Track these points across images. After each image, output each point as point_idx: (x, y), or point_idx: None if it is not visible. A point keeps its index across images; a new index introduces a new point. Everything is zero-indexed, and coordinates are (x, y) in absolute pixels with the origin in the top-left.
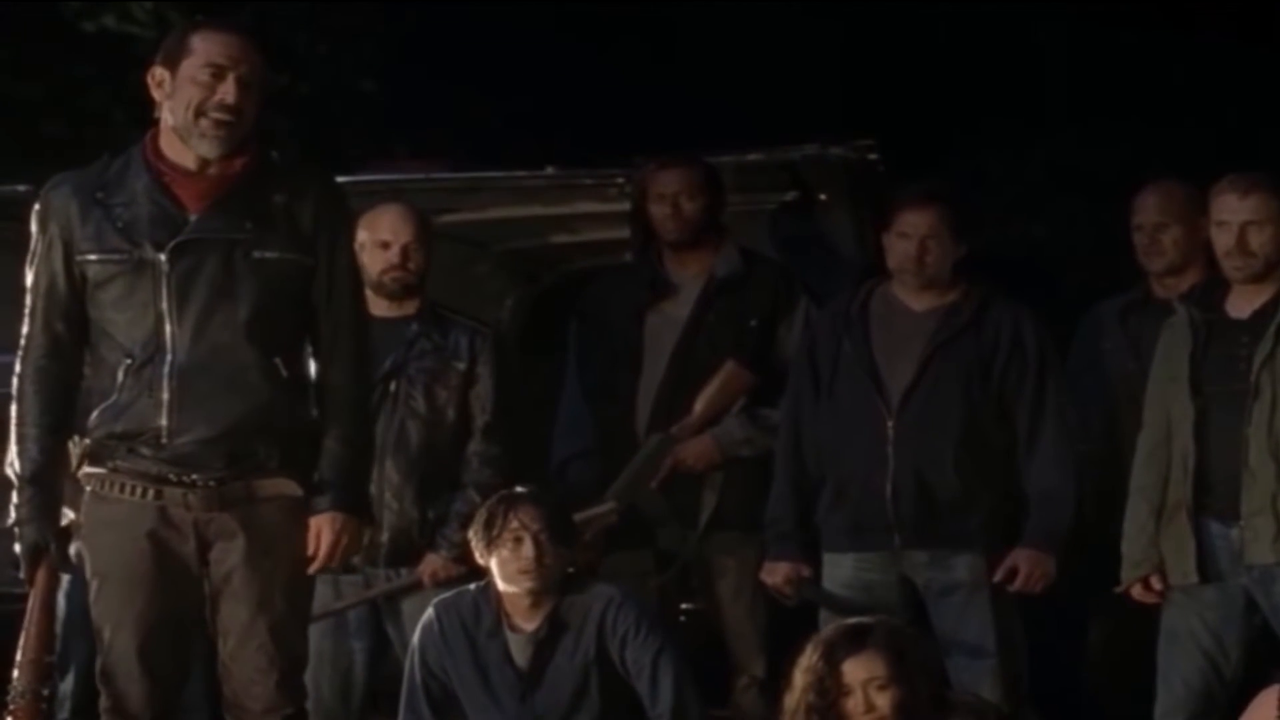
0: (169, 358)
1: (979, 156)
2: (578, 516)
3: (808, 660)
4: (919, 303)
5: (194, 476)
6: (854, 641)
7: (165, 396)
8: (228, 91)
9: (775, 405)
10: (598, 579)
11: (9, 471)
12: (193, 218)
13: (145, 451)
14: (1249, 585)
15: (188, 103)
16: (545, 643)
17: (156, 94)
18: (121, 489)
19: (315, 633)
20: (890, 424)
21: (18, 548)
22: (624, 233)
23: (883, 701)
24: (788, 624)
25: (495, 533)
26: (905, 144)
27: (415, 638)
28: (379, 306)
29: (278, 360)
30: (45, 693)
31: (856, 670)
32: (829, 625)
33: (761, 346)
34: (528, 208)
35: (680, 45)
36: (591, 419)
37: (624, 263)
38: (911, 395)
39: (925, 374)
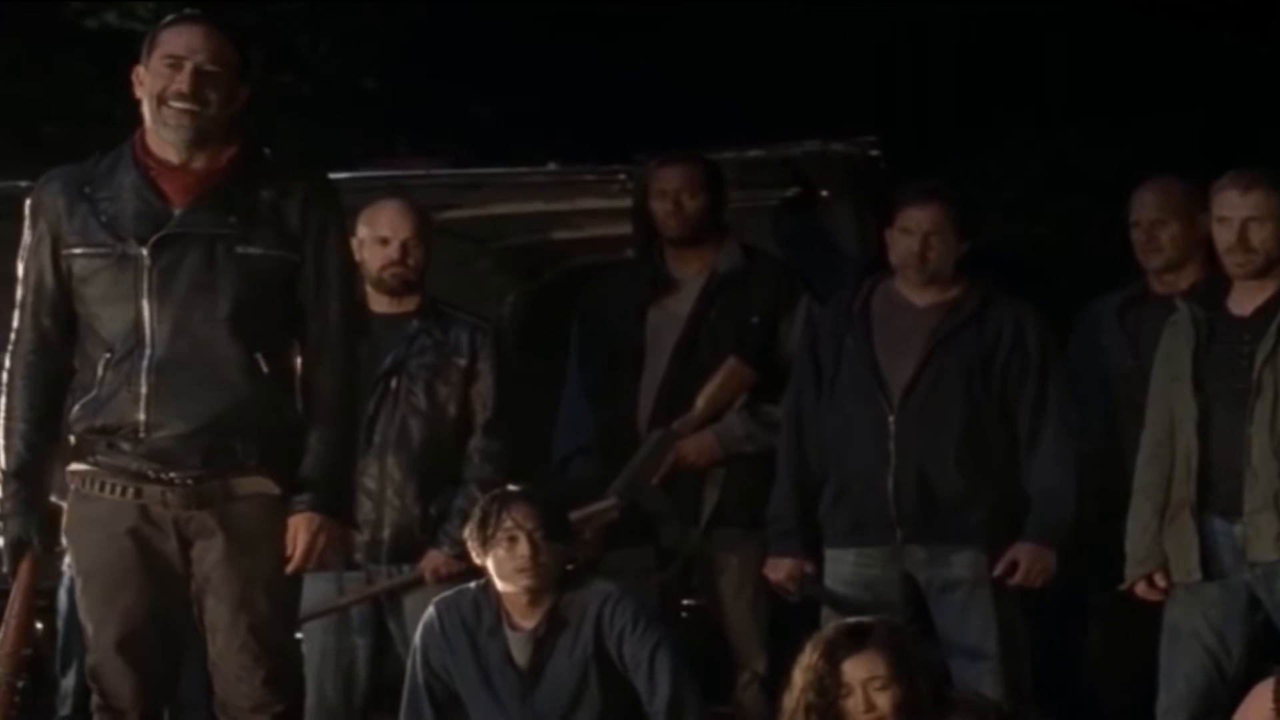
0: (148, 352)
1: (980, 155)
2: (579, 513)
3: (807, 659)
4: (921, 299)
5: (172, 474)
6: (854, 641)
7: (143, 391)
8: (183, 80)
9: (777, 402)
10: (598, 575)
11: None
12: (177, 212)
13: (124, 447)
14: (1251, 582)
15: (151, 94)
16: (544, 640)
17: (138, 92)
18: (102, 487)
19: (318, 629)
20: (892, 420)
21: (0, 541)
22: (625, 229)
23: (883, 701)
24: (789, 621)
25: (490, 532)
26: (906, 143)
27: (417, 637)
28: (379, 303)
29: (259, 356)
30: (20, 684)
31: (857, 669)
32: (828, 625)
33: (763, 343)
34: (529, 204)
35: (681, 41)
36: (593, 415)
37: (626, 259)
38: (913, 391)
39: (926, 370)
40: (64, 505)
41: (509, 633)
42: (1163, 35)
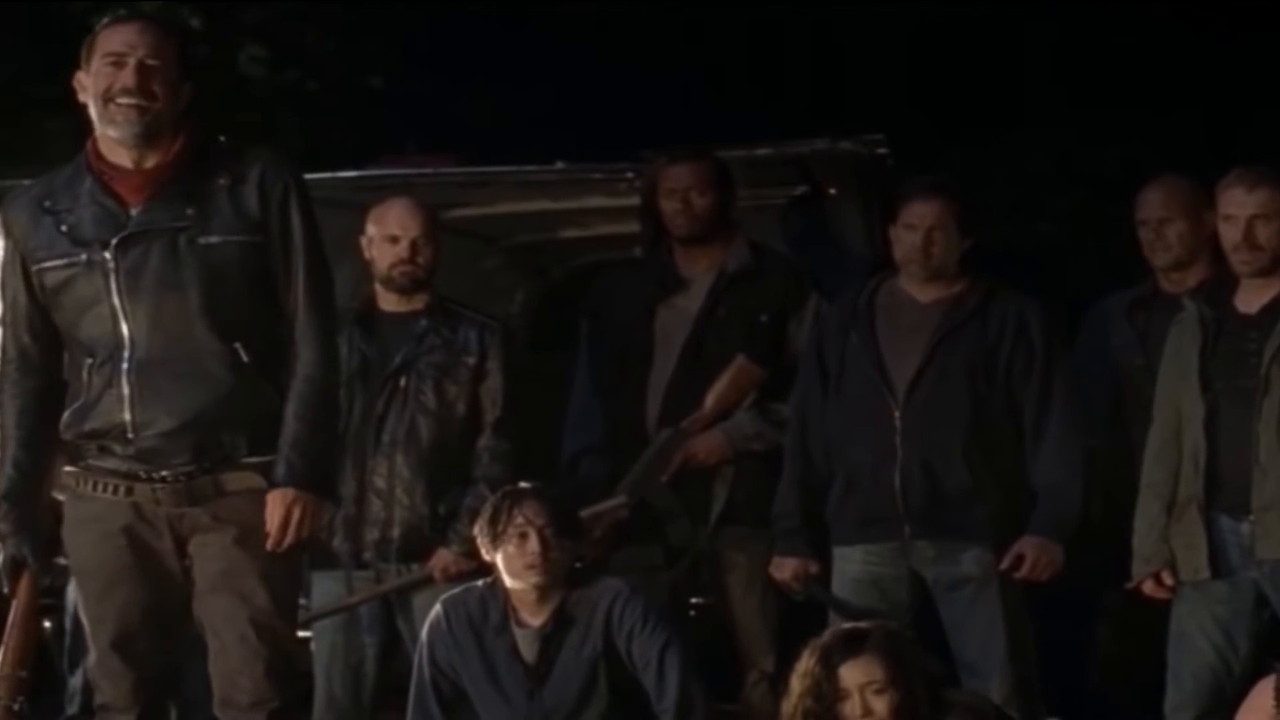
0: (127, 353)
1: (985, 152)
2: (588, 511)
3: (805, 665)
4: (925, 295)
5: (163, 472)
6: (850, 646)
7: (126, 392)
8: (127, 76)
9: (786, 400)
10: (607, 573)
11: None
12: (134, 212)
13: (115, 449)
14: (1259, 580)
15: (96, 94)
16: (552, 638)
17: (82, 98)
18: (95, 486)
19: (327, 628)
20: (897, 415)
21: None
22: (633, 227)
23: (880, 705)
24: (798, 619)
25: (500, 529)
26: (914, 141)
27: (423, 635)
28: (388, 301)
29: (237, 345)
30: (15, 708)
31: (854, 674)
32: (826, 631)
33: (772, 341)
34: (537, 202)
35: (688, 39)
36: (602, 414)
37: (634, 258)
38: (917, 386)
39: (930, 365)
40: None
41: (516, 630)
42: (1168, 31)
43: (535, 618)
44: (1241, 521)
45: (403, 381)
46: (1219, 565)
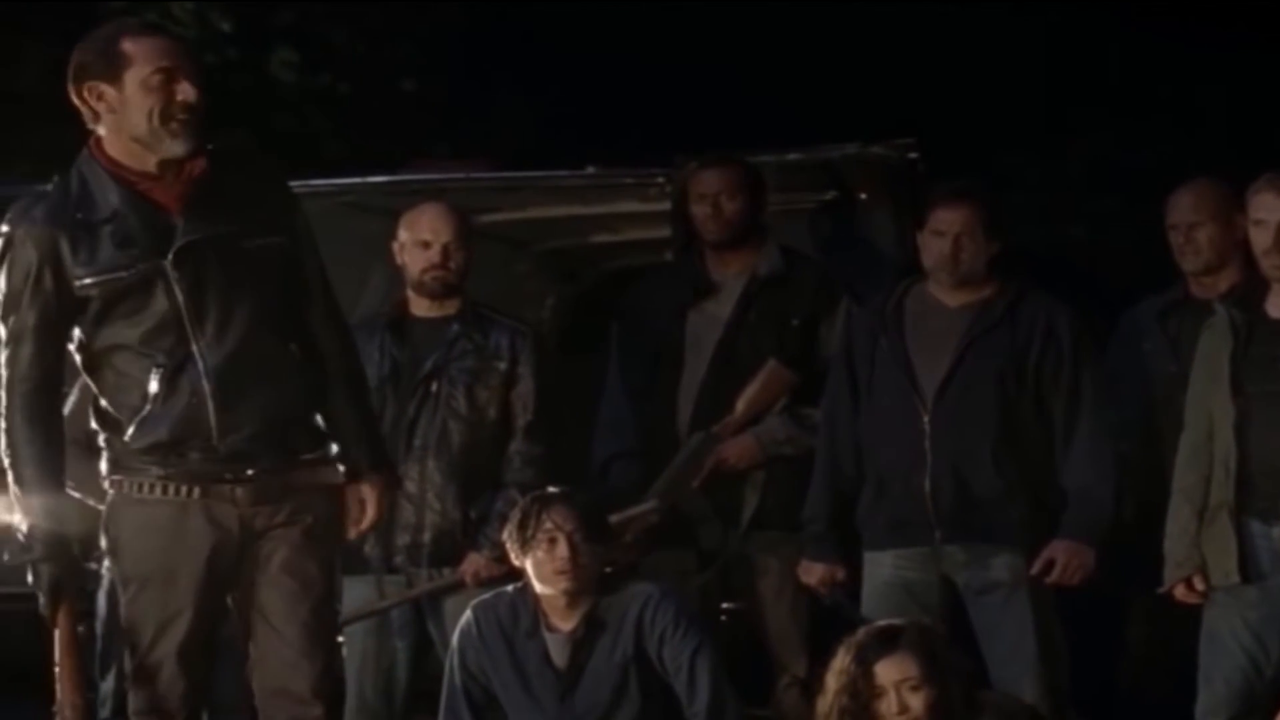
0: (200, 360)
1: (1017, 157)
2: (619, 516)
3: (840, 663)
4: (953, 299)
5: (249, 472)
6: (886, 643)
7: (209, 398)
8: (187, 91)
9: (817, 405)
10: (637, 578)
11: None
12: (179, 221)
13: (194, 456)
14: None
15: (149, 110)
16: (583, 643)
17: (99, 107)
18: (164, 490)
19: (359, 632)
20: (926, 420)
21: (30, 579)
22: (664, 232)
23: (916, 702)
24: (829, 623)
25: (529, 534)
26: (944, 145)
27: (454, 640)
28: (420, 306)
29: (293, 346)
30: None
31: (889, 671)
32: (860, 629)
33: (803, 346)
34: (568, 207)
35: (720, 44)
36: (633, 418)
37: (666, 262)
38: (946, 392)
39: (959, 370)
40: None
41: (547, 635)
42: (1200, 36)
43: (566, 623)
44: (1273, 526)
45: (434, 386)
46: (1250, 570)
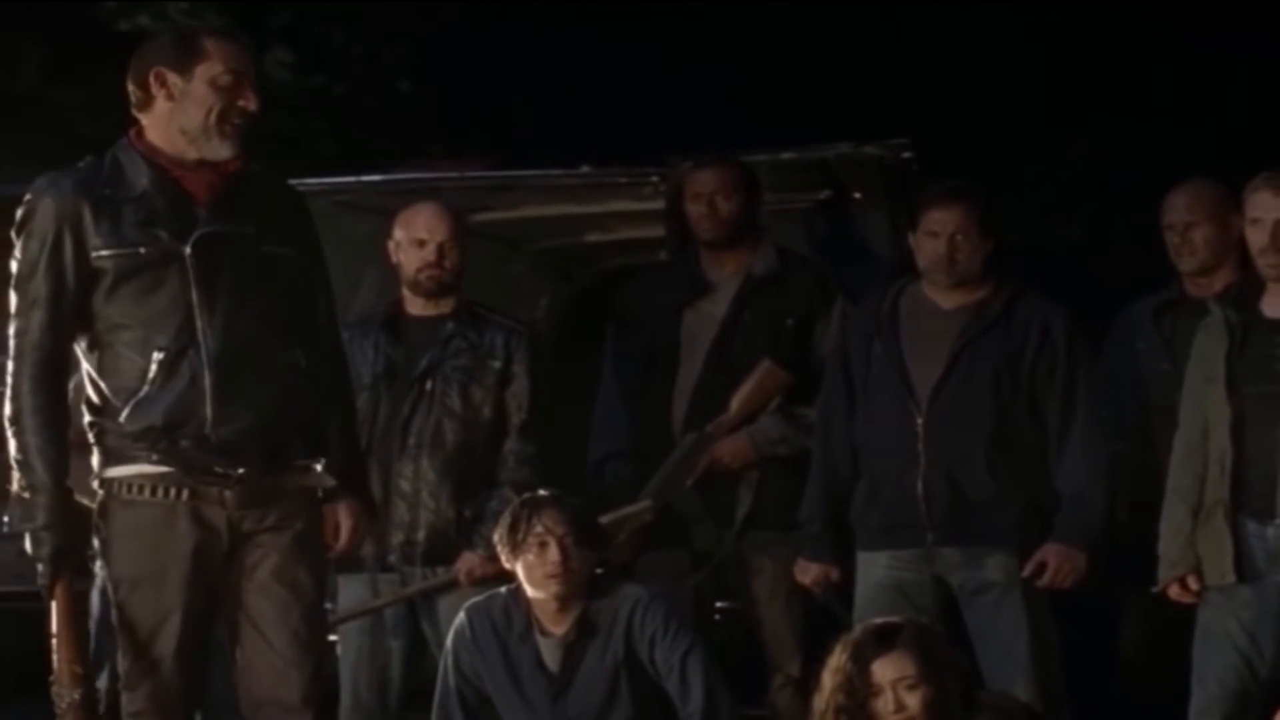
0: (204, 347)
1: (1014, 158)
2: (613, 515)
3: (836, 661)
4: (948, 300)
5: (238, 469)
6: (882, 641)
7: (208, 386)
8: (250, 99)
9: (812, 404)
10: (630, 579)
11: (16, 482)
12: (203, 211)
13: (185, 443)
14: None
15: (209, 107)
16: (575, 646)
17: (158, 94)
18: (153, 491)
19: (353, 631)
20: (920, 422)
21: (30, 549)
22: (659, 231)
23: (913, 701)
24: (823, 623)
25: (520, 537)
26: (939, 145)
27: (448, 641)
28: (415, 305)
29: (298, 352)
30: (80, 696)
31: (886, 670)
32: (857, 626)
33: (798, 345)
34: (563, 206)
35: (714, 43)
36: (628, 418)
37: (661, 262)
38: (940, 393)
39: (954, 371)
40: (92, 508)
41: (539, 639)
42: (1195, 36)
43: (558, 627)
44: (1268, 525)
45: (429, 385)
46: (1245, 569)
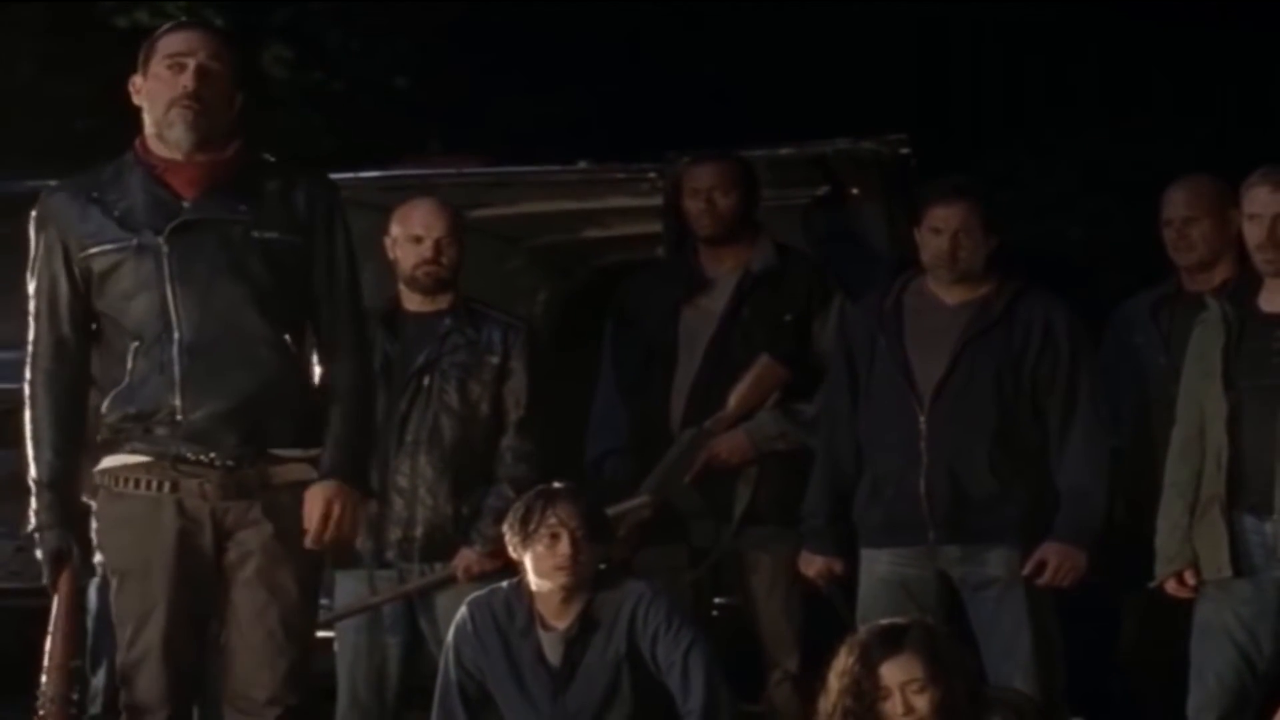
0: (176, 336)
1: (1012, 154)
2: (611, 511)
3: (843, 664)
4: (951, 297)
5: (212, 455)
6: (890, 644)
7: (177, 373)
8: (187, 79)
9: (810, 400)
10: (631, 574)
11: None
12: (187, 203)
13: (160, 431)
14: None
15: (156, 98)
16: (577, 640)
17: (137, 101)
18: (137, 484)
19: (350, 628)
20: (922, 419)
21: (39, 554)
22: (656, 227)
23: (921, 703)
24: (822, 618)
25: (532, 528)
26: (937, 142)
27: (449, 636)
28: (412, 301)
29: (287, 337)
30: (74, 697)
31: (894, 672)
32: (863, 628)
33: (796, 341)
34: (560, 202)
35: (713, 39)
36: (626, 414)
37: (659, 258)
38: (943, 390)
39: (956, 368)
40: (94, 506)
41: (541, 633)
42: (1193, 33)
43: (560, 620)
44: (1265, 520)
45: (426, 381)
46: (1242, 564)
